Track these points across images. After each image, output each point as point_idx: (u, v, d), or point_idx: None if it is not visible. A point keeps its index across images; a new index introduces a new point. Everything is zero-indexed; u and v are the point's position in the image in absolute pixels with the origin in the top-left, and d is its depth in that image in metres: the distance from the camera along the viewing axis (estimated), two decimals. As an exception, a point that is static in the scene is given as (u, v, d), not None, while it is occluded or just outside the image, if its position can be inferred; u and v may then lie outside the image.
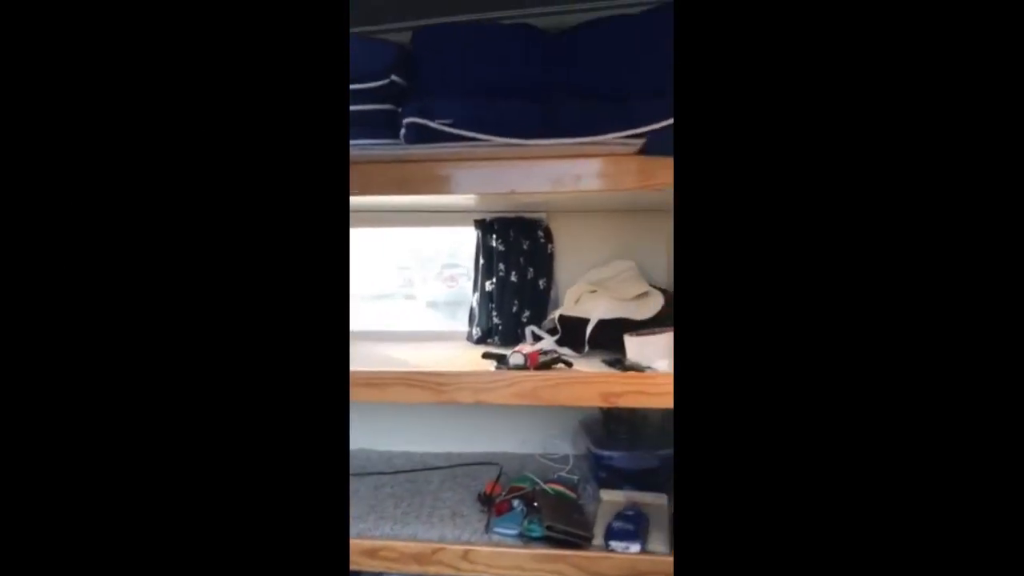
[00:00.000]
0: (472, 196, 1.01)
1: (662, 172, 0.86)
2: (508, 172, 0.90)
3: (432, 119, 0.87)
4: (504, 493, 1.08)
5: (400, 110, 0.91)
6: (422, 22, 1.17)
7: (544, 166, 0.88)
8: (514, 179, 0.90)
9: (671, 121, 0.82)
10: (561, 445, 1.31)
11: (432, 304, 1.48)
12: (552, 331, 1.17)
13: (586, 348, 1.10)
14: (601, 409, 1.24)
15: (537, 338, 1.18)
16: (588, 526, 0.97)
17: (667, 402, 0.89)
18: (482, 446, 1.34)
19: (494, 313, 1.26)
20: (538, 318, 1.26)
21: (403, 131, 0.89)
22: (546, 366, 0.97)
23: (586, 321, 1.11)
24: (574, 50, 0.89)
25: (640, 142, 0.84)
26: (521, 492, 1.07)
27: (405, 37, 1.00)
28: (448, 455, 1.31)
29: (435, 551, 0.93)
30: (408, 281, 1.49)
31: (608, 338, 1.09)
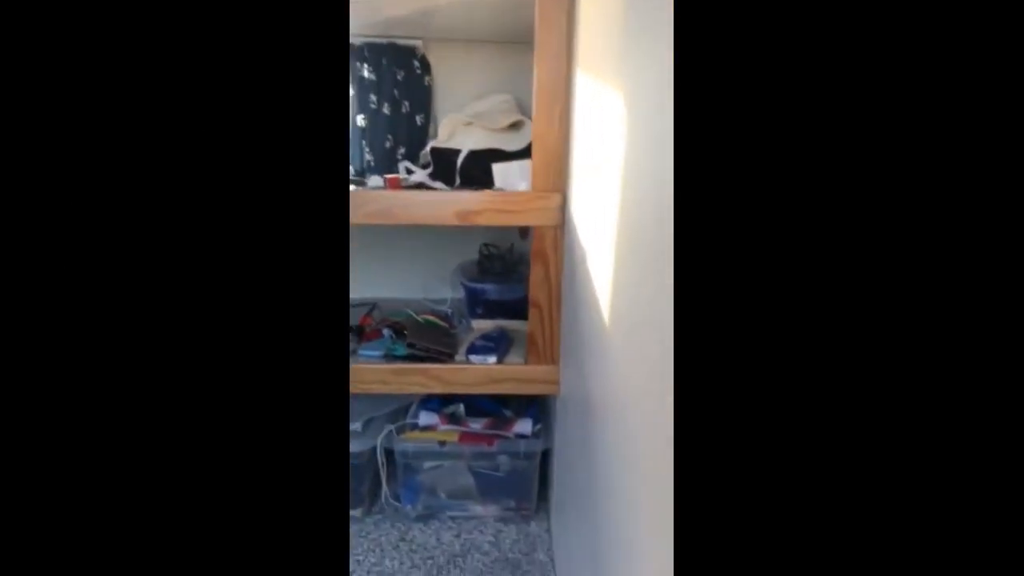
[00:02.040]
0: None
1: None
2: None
3: None
4: (376, 324, 1.10)
5: None
6: None
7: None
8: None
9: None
10: (444, 290, 1.33)
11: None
12: (426, 166, 1.13)
13: (457, 180, 1.07)
14: (479, 252, 1.25)
15: (410, 172, 1.14)
16: (454, 346, 1.01)
17: (523, 219, 0.90)
18: (366, 292, 1.33)
19: (366, 149, 1.19)
20: (415, 156, 1.21)
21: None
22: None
23: (458, 152, 1.07)
24: None
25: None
26: (393, 323, 1.09)
27: None
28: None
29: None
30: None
31: (481, 171, 1.07)
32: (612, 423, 0.54)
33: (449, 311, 1.18)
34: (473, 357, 0.96)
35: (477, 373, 0.94)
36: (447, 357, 0.97)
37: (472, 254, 1.27)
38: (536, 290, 0.93)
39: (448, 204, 0.89)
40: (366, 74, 1.17)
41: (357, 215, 0.88)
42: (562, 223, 0.89)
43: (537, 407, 1.12)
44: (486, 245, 1.24)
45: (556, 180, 0.89)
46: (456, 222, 0.90)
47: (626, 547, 0.47)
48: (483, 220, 0.90)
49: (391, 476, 1.07)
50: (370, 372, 0.94)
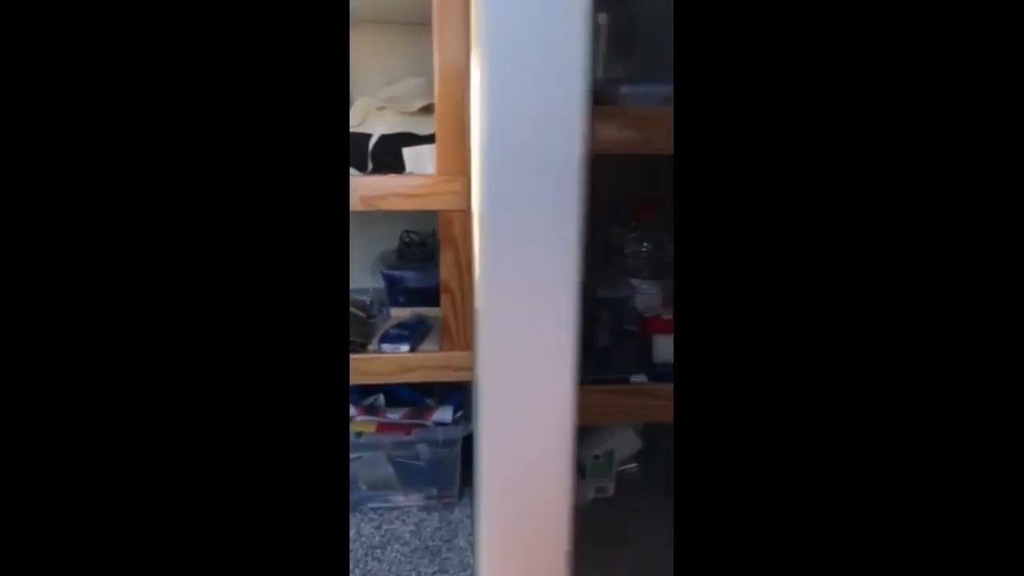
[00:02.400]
0: None
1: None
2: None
3: None
4: (291, 317, 1.06)
5: None
6: None
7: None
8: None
9: None
10: (367, 279, 1.30)
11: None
12: (338, 152, 1.10)
13: (370, 166, 1.04)
14: (400, 238, 1.23)
15: (322, 159, 1.10)
16: (368, 336, 0.99)
17: (428, 204, 0.88)
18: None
19: (276, 135, 1.14)
20: (330, 142, 1.18)
21: None
22: (312, 177, 0.91)
23: (369, 137, 1.04)
24: None
25: None
26: (308, 315, 1.06)
27: None
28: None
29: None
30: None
31: (393, 155, 1.04)
32: (486, 406, 0.53)
33: (368, 300, 1.16)
34: (385, 346, 0.94)
35: (390, 362, 0.92)
36: (359, 347, 0.95)
37: (397, 242, 1.24)
38: (447, 275, 0.91)
39: (352, 190, 0.86)
40: (274, 56, 1.12)
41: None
42: (469, 206, 0.88)
43: (461, 394, 1.11)
44: (407, 232, 1.22)
45: (461, 163, 0.88)
46: (361, 207, 0.87)
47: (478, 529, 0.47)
48: (386, 205, 0.88)
49: (311, 471, 1.05)
50: (277, 365, 0.91)
